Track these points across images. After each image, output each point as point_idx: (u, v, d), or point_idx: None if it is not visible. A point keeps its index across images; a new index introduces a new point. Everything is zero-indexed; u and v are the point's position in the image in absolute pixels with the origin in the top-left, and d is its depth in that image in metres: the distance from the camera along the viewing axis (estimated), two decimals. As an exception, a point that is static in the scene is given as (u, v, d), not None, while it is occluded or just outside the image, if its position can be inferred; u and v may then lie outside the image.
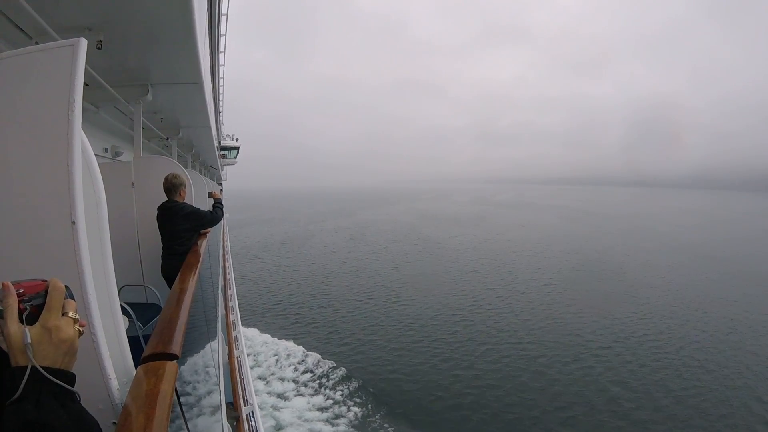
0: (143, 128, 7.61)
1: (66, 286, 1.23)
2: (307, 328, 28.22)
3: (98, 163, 1.83)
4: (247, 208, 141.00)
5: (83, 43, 1.71)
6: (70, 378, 1.15)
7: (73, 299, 1.24)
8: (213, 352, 5.72)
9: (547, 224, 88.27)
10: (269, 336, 26.66)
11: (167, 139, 12.06)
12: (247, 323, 27.73)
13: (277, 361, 23.31)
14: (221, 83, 16.01)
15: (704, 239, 69.66)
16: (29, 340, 1.08)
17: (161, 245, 6.04)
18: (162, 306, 6.09)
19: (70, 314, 1.20)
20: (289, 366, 22.63)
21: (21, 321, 1.11)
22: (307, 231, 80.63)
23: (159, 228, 5.99)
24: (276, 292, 36.70)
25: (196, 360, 4.24)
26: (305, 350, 24.31)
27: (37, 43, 4.24)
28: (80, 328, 1.22)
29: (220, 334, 7.12)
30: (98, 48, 4.57)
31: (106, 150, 10.14)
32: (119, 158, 10.59)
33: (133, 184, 6.58)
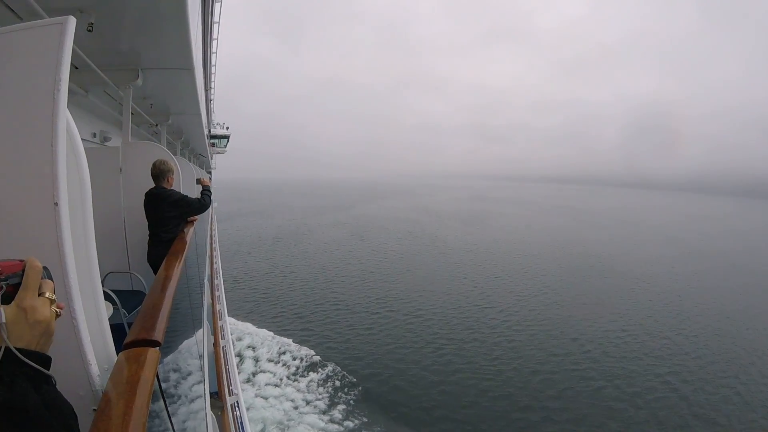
0: (132, 113, 7.55)
1: (44, 267, 1.20)
2: (310, 329, 27.36)
3: (86, 148, 1.80)
4: (238, 199, 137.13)
5: (72, 21, 1.67)
6: (46, 360, 1.13)
7: (52, 280, 1.21)
8: (198, 341, 5.69)
9: (554, 225, 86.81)
10: (269, 332, 26.25)
11: (156, 125, 11.94)
12: (245, 318, 28.01)
13: (277, 356, 23.18)
14: (213, 71, 15.89)
15: (725, 246, 68.64)
16: (3, 320, 1.05)
17: (148, 232, 5.98)
18: (146, 293, 6.05)
19: (47, 294, 1.16)
20: (283, 363, 22.44)
21: None
22: (304, 226, 77.25)
23: (146, 214, 5.93)
24: (275, 294, 35.02)
25: (181, 349, 4.20)
26: (308, 350, 23.88)
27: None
28: (57, 310, 1.19)
29: (205, 323, 7.08)
30: (89, 30, 4.51)
31: (94, 135, 10.01)
32: (107, 143, 10.48)
33: (120, 169, 6.50)
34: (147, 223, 5.96)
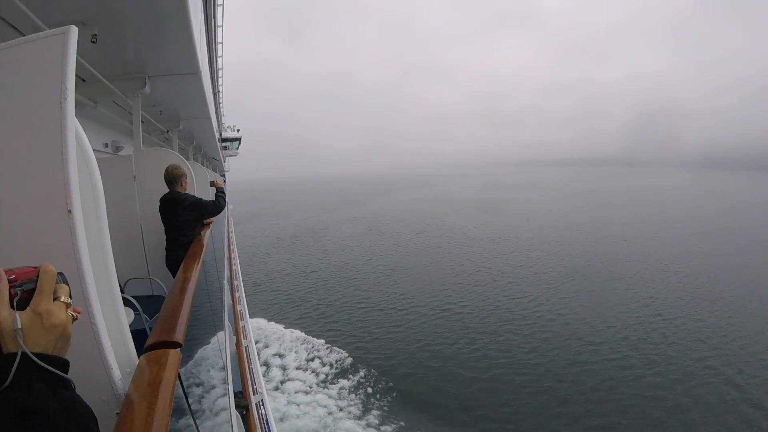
0: (143, 121, 7.61)
1: (59, 273, 1.20)
2: (337, 329, 26.64)
3: (99, 158, 1.81)
4: (252, 200, 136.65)
5: (74, 30, 1.68)
6: (63, 364, 1.13)
7: (67, 284, 1.21)
8: (220, 341, 5.74)
9: (574, 209, 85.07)
10: (300, 332, 25.94)
11: (167, 131, 12.04)
12: (272, 319, 27.89)
13: (305, 363, 22.80)
14: (220, 74, 15.94)
15: (746, 223, 66.56)
16: (19, 326, 1.06)
17: (165, 237, 6.04)
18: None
19: (62, 298, 1.17)
20: (312, 371, 22.02)
21: (12, 306, 1.08)
22: (320, 223, 75.82)
23: (162, 220, 5.99)
24: (298, 295, 34.11)
25: (205, 349, 4.25)
26: (338, 353, 23.46)
27: (27, 38, 4.22)
28: (74, 314, 1.19)
29: (227, 324, 7.14)
30: (93, 42, 4.54)
31: (106, 145, 10.12)
32: (120, 153, 10.58)
33: (134, 177, 6.57)
34: (164, 228, 6.02)
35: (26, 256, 1.49)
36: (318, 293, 33.70)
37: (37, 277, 1.15)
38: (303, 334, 25.33)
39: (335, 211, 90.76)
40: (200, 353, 4.01)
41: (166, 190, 6.01)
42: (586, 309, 28.02)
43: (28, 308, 1.10)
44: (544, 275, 36.43)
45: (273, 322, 27.26)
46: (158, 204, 6.02)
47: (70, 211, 1.53)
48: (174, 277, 5.92)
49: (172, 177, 5.93)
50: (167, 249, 5.99)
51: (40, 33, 1.71)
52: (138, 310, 4.82)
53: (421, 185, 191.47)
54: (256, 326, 25.24)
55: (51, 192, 1.54)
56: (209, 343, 4.64)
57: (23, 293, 1.12)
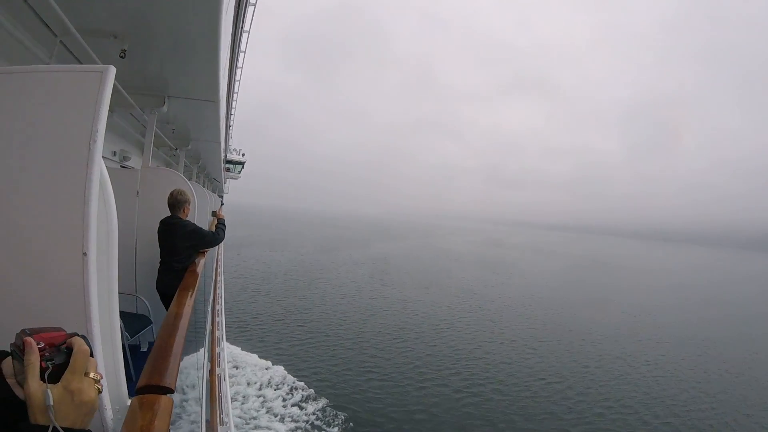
0: (154, 136, 7.64)
1: (83, 336, 1.22)
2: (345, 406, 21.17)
3: (106, 167, 1.82)
4: (246, 225, 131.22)
5: (111, 71, 1.71)
6: None
7: (92, 355, 1.23)
8: (197, 368, 5.65)
9: (585, 278, 79.94)
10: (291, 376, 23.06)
11: (176, 149, 12.10)
12: (258, 352, 25.78)
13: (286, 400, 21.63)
14: (235, 98, 16.12)
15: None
16: (51, 402, 1.07)
17: (158, 258, 6.01)
18: (151, 319, 6.06)
19: (92, 375, 1.19)
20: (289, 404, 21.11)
21: (42, 379, 1.10)
22: (317, 262, 67.85)
23: (159, 242, 5.96)
24: (295, 350, 27.70)
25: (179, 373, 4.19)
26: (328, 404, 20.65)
27: (62, 43, 4.28)
28: (99, 387, 1.21)
29: (206, 350, 7.05)
30: (121, 57, 4.60)
31: (114, 153, 10.16)
32: (126, 163, 10.62)
33: (138, 193, 6.58)
34: (158, 250, 6.00)
35: (38, 295, 1.50)
36: (318, 350, 28.23)
37: (65, 346, 1.17)
38: (293, 378, 23.45)
39: (333, 252, 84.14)
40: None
41: (167, 210, 6.01)
42: (621, 391, 25.19)
43: (60, 384, 1.12)
44: (568, 351, 32.24)
45: (258, 356, 25.86)
46: (157, 224, 6.01)
47: (85, 254, 1.54)
48: (162, 299, 5.90)
49: (176, 202, 5.94)
50: (159, 271, 5.95)
51: (76, 66, 1.75)
52: (121, 327, 4.76)
53: (421, 234, 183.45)
54: (233, 354, 24.64)
55: (69, 232, 1.56)
56: (183, 366, 4.58)
57: (54, 367, 1.13)
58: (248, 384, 21.31)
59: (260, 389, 20.93)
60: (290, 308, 37.52)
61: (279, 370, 23.05)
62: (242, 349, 25.67)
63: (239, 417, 18.11)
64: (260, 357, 25.11)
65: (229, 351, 25.03)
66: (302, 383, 22.06)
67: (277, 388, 21.11)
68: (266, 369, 23.12)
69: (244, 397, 20.03)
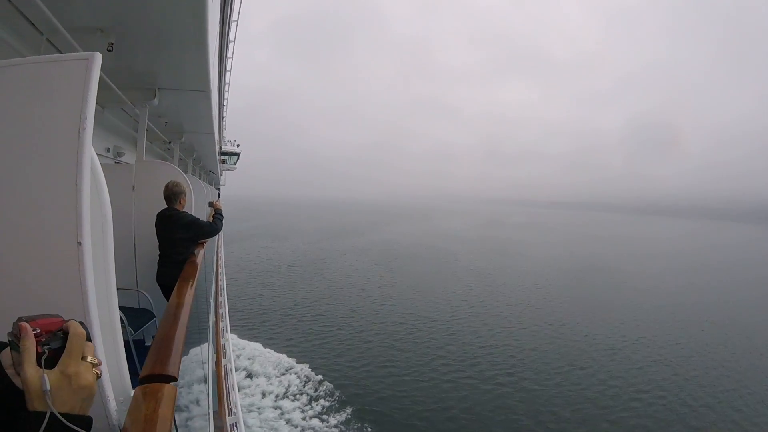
0: (147, 131, 7.61)
1: (81, 322, 1.21)
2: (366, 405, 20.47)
3: (100, 164, 1.80)
4: (246, 218, 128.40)
5: (98, 57, 1.69)
6: (88, 422, 1.14)
7: (90, 340, 1.22)
8: (203, 360, 5.67)
9: (593, 254, 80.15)
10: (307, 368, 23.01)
11: (170, 142, 12.06)
12: (267, 345, 25.80)
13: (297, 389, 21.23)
14: (227, 89, 16.04)
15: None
16: (48, 387, 1.06)
17: (158, 251, 6.00)
18: (154, 312, 6.08)
19: (89, 359, 1.18)
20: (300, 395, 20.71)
21: (39, 364, 1.09)
22: (321, 251, 66.90)
23: (157, 235, 5.96)
24: (307, 346, 26.67)
25: (184, 365, 4.20)
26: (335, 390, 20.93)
27: (48, 41, 4.24)
28: (98, 372, 1.20)
29: (210, 342, 7.08)
30: (109, 50, 4.55)
31: (108, 150, 10.11)
32: (121, 158, 10.58)
33: (133, 187, 6.58)
34: (157, 243, 6.00)
35: (35, 286, 1.48)
36: (331, 344, 27.27)
37: (62, 331, 1.16)
38: (310, 370, 22.94)
39: (336, 239, 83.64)
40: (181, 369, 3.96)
41: (164, 203, 6.00)
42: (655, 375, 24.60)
43: (56, 368, 1.11)
44: (590, 335, 30.93)
45: (269, 349, 25.33)
46: (154, 218, 6.00)
47: (80, 243, 1.52)
48: (163, 292, 5.91)
49: (172, 194, 5.93)
50: (159, 264, 5.96)
51: (62, 54, 1.72)
52: (124, 323, 4.77)
53: (422, 218, 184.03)
54: (239, 344, 24.63)
55: (62, 222, 1.54)
56: (187, 354, 4.58)
57: (50, 351, 1.12)
58: (263, 395, 20.78)
59: (276, 400, 20.34)
60: (299, 302, 36.23)
61: (294, 377, 22.36)
62: (263, 346, 25.35)
63: (259, 427, 18.03)
64: (277, 351, 24.94)
65: (245, 347, 25.11)
66: (322, 386, 21.47)
67: (295, 399, 20.54)
68: (282, 374, 22.49)
69: (259, 408, 19.62)
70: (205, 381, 5.25)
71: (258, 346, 25.50)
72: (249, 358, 23.64)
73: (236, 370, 20.29)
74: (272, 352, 24.84)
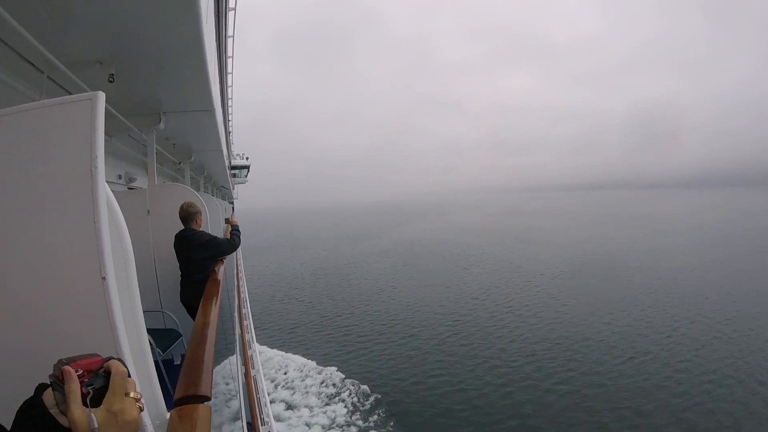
0: (156, 154, 7.69)
1: (121, 361, 1.25)
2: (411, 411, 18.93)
3: (113, 191, 1.84)
4: (263, 230, 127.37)
5: (101, 96, 1.72)
6: None
7: (130, 376, 1.26)
8: (233, 373, 5.74)
9: (617, 236, 76.21)
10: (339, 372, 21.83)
11: (180, 163, 12.17)
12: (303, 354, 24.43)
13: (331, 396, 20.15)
14: (230, 103, 16.10)
15: None
16: (95, 426, 1.10)
17: (178, 271, 6.08)
18: (180, 332, 6.16)
19: (132, 394, 1.22)
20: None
21: (85, 404, 1.13)
22: (342, 256, 63.52)
23: (177, 256, 6.03)
24: (351, 356, 24.84)
25: (215, 382, 4.26)
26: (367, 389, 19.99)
27: (49, 78, 4.32)
28: (141, 406, 1.24)
29: (238, 354, 7.15)
30: (110, 81, 4.61)
31: (120, 177, 10.23)
32: (133, 184, 10.70)
33: (148, 211, 6.68)
34: (177, 263, 6.07)
35: (65, 324, 1.53)
36: (375, 353, 24.99)
37: (102, 369, 1.20)
38: (341, 374, 21.89)
39: (355, 244, 79.43)
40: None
41: (180, 223, 6.08)
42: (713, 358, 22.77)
43: (102, 407, 1.15)
44: (645, 321, 28.47)
45: (301, 356, 24.26)
46: (172, 239, 6.08)
47: (104, 278, 1.57)
48: (188, 311, 5.99)
49: (187, 215, 6.00)
50: (182, 285, 6.04)
51: (66, 97, 1.75)
52: (152, 344, 4.85)
53: (437, 215, 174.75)
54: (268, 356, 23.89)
55: (86, 260, 1.59)
56: (220, 364, 4.64)
57: (94, 391, 1.16)
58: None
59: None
60: (328, 313, 33.48)
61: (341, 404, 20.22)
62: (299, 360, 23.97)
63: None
64: (323, 365, 23.26)
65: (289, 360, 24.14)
66: (367, 398, 20.02)
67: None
68: (330, 398, 20.45)
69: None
70: (236, 393, 5.31)
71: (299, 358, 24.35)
72: (284, 374, 22.58)
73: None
74: (316, 365, 23.46)
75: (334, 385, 21.10)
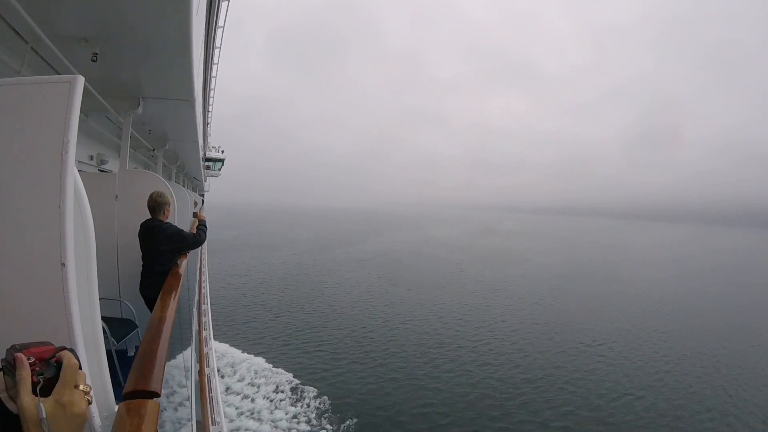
0: (131, 138, 7.56)
1: (70, 349, 1.25)
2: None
3: (83, 173, 1.82)
4: (234, 226, 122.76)
5: (80, 81, 1.70)
6: None
7: (80, 368, 1.26)
8: (185, 371, 5.64)
9: (600, 261, 78.92)
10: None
11: (154, 150, 11.99)
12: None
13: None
14: (212, 95, 15.94)
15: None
16: (44, 415, 1.11)
17: (141, 261, 5.97)
18: (137, 323, 6.04)
19: (81, 387, 1.23)
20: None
21: (34, 393, 1.14)
22: (314, 262, 61.73)
23: (140, 245, 5.93)
24: (323, 379, 22.58)
25: (167, 376, 4.19)
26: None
27: (33, 49, 4.23)
28: (89, 399, 1.25)
29: (193, 351, 7.03)
30: (93, 60, 4.54)
31: (92, 158, 10.02)
32: (104, 166, 10.50)
33: (116, 196, 6.54)
34: (140, 253, 5.96)
35: (21, 307, 1.51)
36: (352, 384, 22.27)
37: (54, 359, 1.21)
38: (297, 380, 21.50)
39: (329, 250, 77.27)
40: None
41: (147, 212, 5.98)
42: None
43: (51, 397, 1.16)
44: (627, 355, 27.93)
45: (259, 357, 23.95)
46: (137, 227, 5.97)
47: (63, 265, 1.55)
48: (146, 303, 5.89)
49: (156, 204, 5.91)
50: (142, 275, 5.93)
51: (45, 77, 1.72)
52: (107, 333, 4.75)
53: (412, 226, 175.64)
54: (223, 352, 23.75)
55: (47, 245, 1.57)
56: (171, 366, 4.55)
57: (45, 381, 1.17)
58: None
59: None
60: (299, 326, 31.05)
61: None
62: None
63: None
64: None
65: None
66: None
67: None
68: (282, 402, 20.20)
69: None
70: (188, 390, 5.22)
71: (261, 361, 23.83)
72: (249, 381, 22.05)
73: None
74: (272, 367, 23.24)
75: (292, 390, 20.93)
